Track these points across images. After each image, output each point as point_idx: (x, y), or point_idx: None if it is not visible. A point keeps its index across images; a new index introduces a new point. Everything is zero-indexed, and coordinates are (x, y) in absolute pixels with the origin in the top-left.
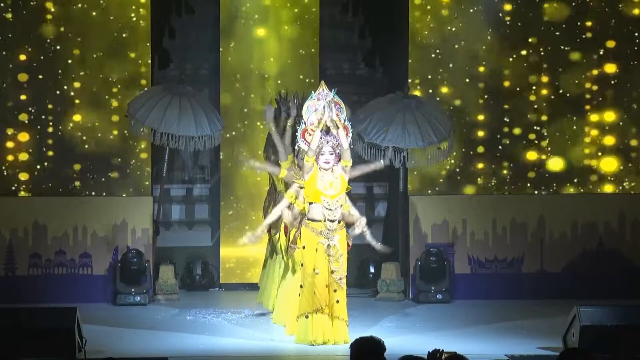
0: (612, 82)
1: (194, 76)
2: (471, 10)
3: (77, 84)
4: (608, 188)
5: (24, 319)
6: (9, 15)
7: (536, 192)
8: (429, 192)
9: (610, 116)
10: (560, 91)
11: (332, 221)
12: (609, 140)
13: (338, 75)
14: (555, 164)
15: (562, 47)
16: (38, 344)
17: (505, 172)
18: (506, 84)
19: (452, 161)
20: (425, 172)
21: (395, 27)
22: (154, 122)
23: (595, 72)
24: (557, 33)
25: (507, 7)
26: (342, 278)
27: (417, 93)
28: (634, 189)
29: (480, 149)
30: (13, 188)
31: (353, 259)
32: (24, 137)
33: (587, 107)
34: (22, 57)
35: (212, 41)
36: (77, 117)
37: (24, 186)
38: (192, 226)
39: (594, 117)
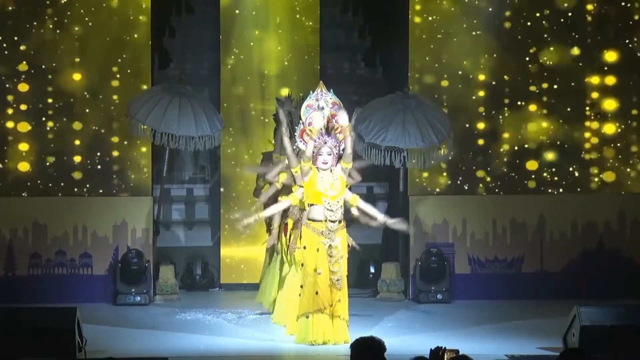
0: (613, 83)
1: (194, 76)
2: (471, 10)
3: (77, 84)
4: (608, 188)
5: (24, 319)
6: (9, 8)
7: (536, 192)
8: (429, 192)
9: (610, 118)
10: (561, 92)
11: (333, 222)
12: (609, 141)
13: (338, 75)
14: (556, 163)
15: (562, 51)
16: (38, 343)
17: (505, 172)
18: (506, 83)
19: (452, 161)
20: (425, 172)
21: (395, 27)
22: (154, 122)
23: (595, 75)
24: (558, 37)
25: (508, 10)
26: (340, 279)
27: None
28: (634, 189)
29: (480, 149)
30: (13, 188)
31: (353, 259)
32: (24, 137)
33: (587, 108)
34: (22, 49)
35: (212, 41)
36: (76, 117)
37: (24, 186)
38: (192, 226)
39: (594, 118)
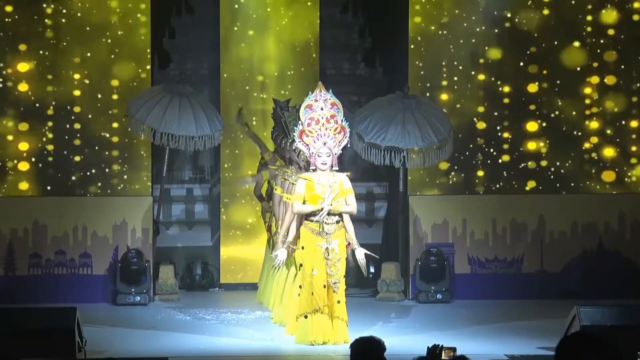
0: (612, 82)
1: (194, 76)
2: (471, 11)
3: (77, 84)
4: (608, 188)
5: (24, 319)
6: (9, 10)
7: (536, 192)
8: (429, 192)
9: (610, 113)
10: (560, 91)
11: (329, 224)
12: (609, 140)
13: (338, 75)
14: (555, 163)
15: (562, 48)
16: (38, 344)
17: (505, 172)
18: (506, 83)
19: (452, 161)
20: (425, 172)
21: (395, 27)
22: (154, 122)
23: (595, 74)
24: (558, 35)
25: (507, 8)
26: (337, 282)
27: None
28: (634, 189)
29: (480, 149)
30: (13, 188)
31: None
32: (24, 137)
33: (588, 105)
34: (22, 50)
35: (212, 41)
36: (77, 117)
37: (24, 186)
38: (192, 226)
39: (594, 117)
